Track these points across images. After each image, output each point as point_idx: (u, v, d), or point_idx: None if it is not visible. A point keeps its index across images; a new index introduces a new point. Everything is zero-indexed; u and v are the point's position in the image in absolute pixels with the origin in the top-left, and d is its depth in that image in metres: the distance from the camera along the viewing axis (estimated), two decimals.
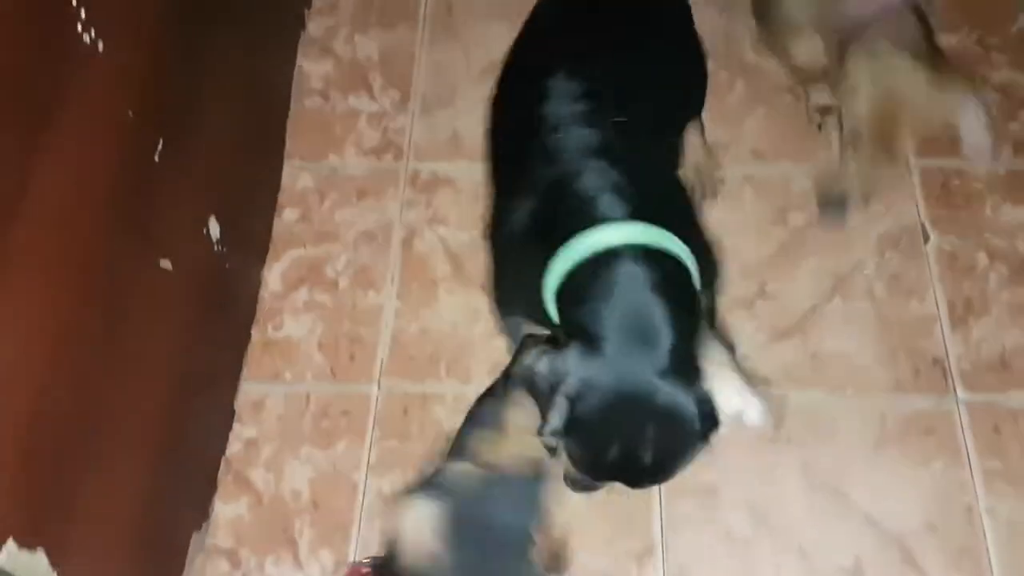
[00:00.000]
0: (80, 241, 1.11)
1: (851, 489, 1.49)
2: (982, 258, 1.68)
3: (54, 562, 1.04)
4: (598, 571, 1.47)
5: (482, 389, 1.57)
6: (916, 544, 1.44)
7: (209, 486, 1.54)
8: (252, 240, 1.76)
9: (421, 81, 1.96)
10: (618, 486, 1.09)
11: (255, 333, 1.71)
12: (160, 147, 1.30)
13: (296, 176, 1.88)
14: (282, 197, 1.85)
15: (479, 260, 1.76)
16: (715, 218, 1.77)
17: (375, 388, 1.65)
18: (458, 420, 1.57)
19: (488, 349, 1.68)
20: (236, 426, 1.62)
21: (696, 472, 1.49)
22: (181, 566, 1.44)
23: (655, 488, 1.52)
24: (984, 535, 1.44)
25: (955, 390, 1.56)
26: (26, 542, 0.99)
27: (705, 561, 1.46)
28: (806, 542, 1.46)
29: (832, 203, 1.61)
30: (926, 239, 1.71)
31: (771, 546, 1.46)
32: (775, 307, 1.68)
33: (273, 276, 1.77)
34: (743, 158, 1.83)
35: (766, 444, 1.54)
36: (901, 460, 1.50)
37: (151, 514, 1.34)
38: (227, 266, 1.59)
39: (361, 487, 1.55)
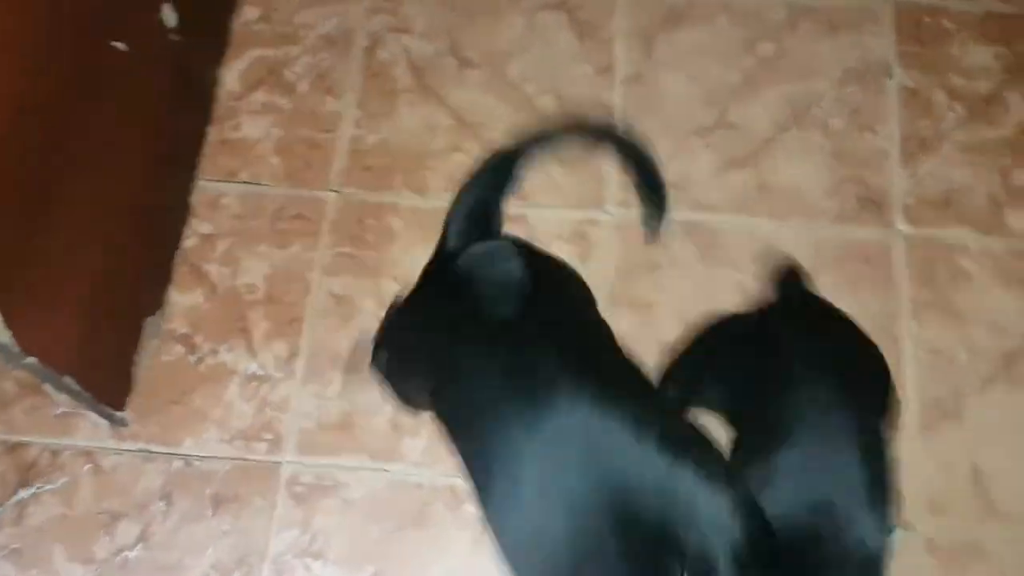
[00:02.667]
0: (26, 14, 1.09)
1: None
2: (941, 97, 1.68)
3: (7, 319, 1.08)
4: None
5: (439, 203, 1.61)
6: None
7: (165, 275, 1.58)
8: (209, 34, 1.72)
9: None
10: None
11: (212, 131, 1.71)
12: None
13: None
14: None
15: (443, 73, 1.75)
16: (686, 41, 1.75)
17: (331, 194, 1.67)
18: (413, 232, 1.63)
19: (446, 163, 1.69)
20: (192, 221, 1.64)
21: (636, 289, 1.56)
22: (135, 347, 1.50)
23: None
24: (905, 360, 1.51)
25: (896, 223, 1.60)
26: None
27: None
28: None
29: None
30: (890, 75, 1.70)
31: None
32: (733, 136, 1.69)
33: (231, 75, 1.75)
34: None
35: (706, 267, 1.59)
36: (834, 286, 1.55)
37: (107, 292, 1.39)
38: (183, 57, 1.57)
39: (314, 286, 1.60)
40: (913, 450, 1.45)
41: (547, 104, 1.72)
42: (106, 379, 1.40)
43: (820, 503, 0.94)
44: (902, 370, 1.50)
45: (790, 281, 1.37)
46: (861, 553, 0.95)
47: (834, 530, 0.95)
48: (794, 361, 1.05)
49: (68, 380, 1.25)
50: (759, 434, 1.01)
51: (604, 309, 1.54)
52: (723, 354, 1.26)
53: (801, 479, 0.95)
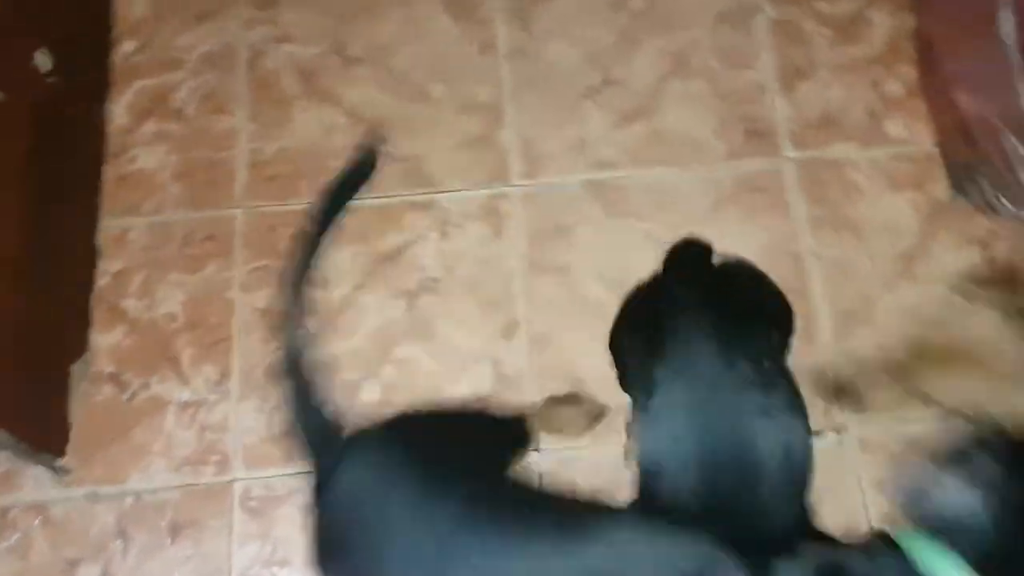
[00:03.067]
0: None
1: None
2: (809, 24, 1.75)
3: None
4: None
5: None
6: None
7: (83, 318, 1.57)
8: (88, 73, 1.70)
9: None
10: None
11: (108, 169, 1.70)
12: None
13: (130, 3, 1.80)
14: (118, 28, 1.79)
15: (331, 74, 1.76)
16: (561, 8, 1.80)
17: (238, 211, 1.67)
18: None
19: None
20: (102, 260, 1.63)
21: (552, 254, 1.60)
22: (65, 393, 1.49)
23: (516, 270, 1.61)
24: (811, 276, 1.59)
25: (784, 150, 1.67)
26: None
27: (565, 329, 1.58)
28: None
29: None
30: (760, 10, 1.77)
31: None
32: (620, 92, 1.74)
33: (119, 110, 1.74)
34: None
35: (614, 222, 1.64)
36: (736, 218, 1.62)
37: (27, 342, 1.38)
38: (63, 99, 1.56)
39: (236, 304, 1.60)
40: (833, 358, 1.52)
41: (438, 90, 1.75)
42: (40, 428, 1.40)
43: (731, 428, 0.99)
44: (810, 287, 1.58)
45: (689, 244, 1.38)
46: (789, 461, 1.00)
47: (756, 446, 0.99)
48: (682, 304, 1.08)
49: (1, 433, 1.24)
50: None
51: (525, 277, 1.60)
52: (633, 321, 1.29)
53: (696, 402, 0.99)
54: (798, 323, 1.17)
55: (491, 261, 1.63)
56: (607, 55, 1.77)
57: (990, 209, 1.56)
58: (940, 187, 1.64)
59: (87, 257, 1.61)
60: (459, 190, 1.68)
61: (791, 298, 1.52)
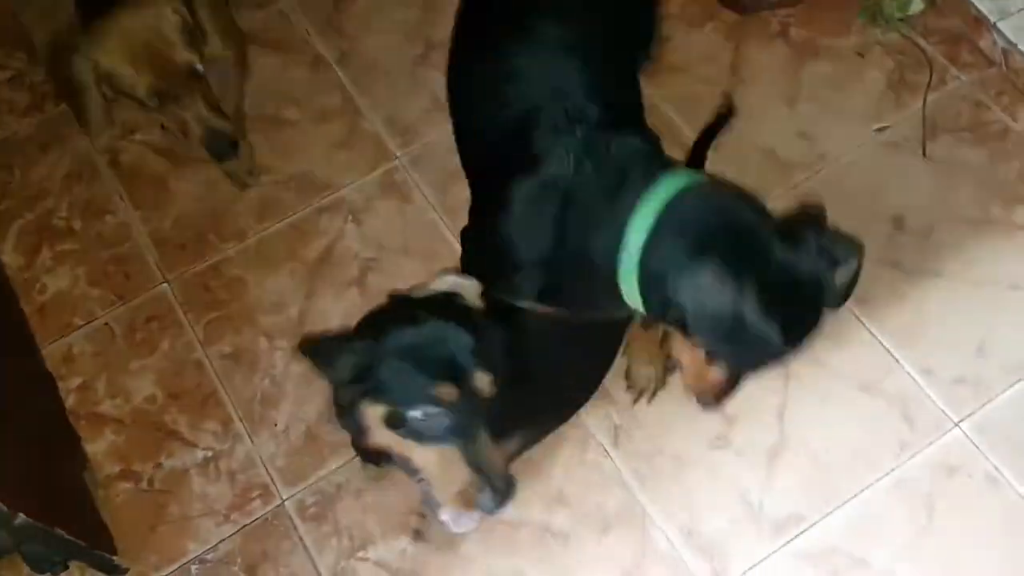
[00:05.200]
0: None
1: None
2: None
3: None
4: None
5: (261, 234, 1.73)
6: None
7: (70, 436, 1.57)
8: None
9: None
10: None
11: (26, 306, 1.71)
12: None
13: None
14: None
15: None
16: (358, 11, 1.98)
17: (165, 285, 1.73)
18: (256, 270, 1.72)
19: (241, 203, 1.80)
20: (60, 383, 1.63)
21: (462, 192, 1.75)
22: (89, 504, 1.49)
23: None
24: None
25: None
26: None
27: None
28: None
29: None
30: None
31: None
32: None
33: (8, 253, 1.76)
34: None
35: None
36: None
37: (42, 467, 1.38)
38: None
39: (204, 361, 1.65)
40: None
41: (292, 113, 1.88)
42: (85, 530, 1.38)
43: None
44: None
45: None
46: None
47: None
48: None
49: (59, 531, 1.24)
50: None
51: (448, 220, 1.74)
52: None
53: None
54: None
55: (412, 222, 1.77)
56: (421, 27, 1.96)
57: None
58: None
59: (47, 387, 1.61)
60: (354, 181, 1.81)
61: None
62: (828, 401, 1.54)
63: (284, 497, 1.53)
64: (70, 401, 1.62)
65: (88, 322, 1.69)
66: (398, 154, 1.84)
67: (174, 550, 1.49)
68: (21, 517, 1.14)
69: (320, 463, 1.55)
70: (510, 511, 1.47)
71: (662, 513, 1.47)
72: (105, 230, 1.78)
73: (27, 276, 1.74)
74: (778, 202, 1.54)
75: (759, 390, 1.52)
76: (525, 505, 1.49)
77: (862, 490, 1.47)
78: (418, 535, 1.47)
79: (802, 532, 1.45)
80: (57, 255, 1.76)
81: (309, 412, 1.59)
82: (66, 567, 1.38)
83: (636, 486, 1.50)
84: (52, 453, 1.51)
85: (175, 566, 1.48)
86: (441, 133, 1.82)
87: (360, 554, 1.48)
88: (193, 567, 1.48)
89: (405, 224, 1.77)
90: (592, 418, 1.55)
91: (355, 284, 1.71)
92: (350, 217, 1.77)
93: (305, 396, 1.60)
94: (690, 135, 1.70)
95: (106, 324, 1.69)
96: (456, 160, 1.45)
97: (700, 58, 1.91)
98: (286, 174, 1.83)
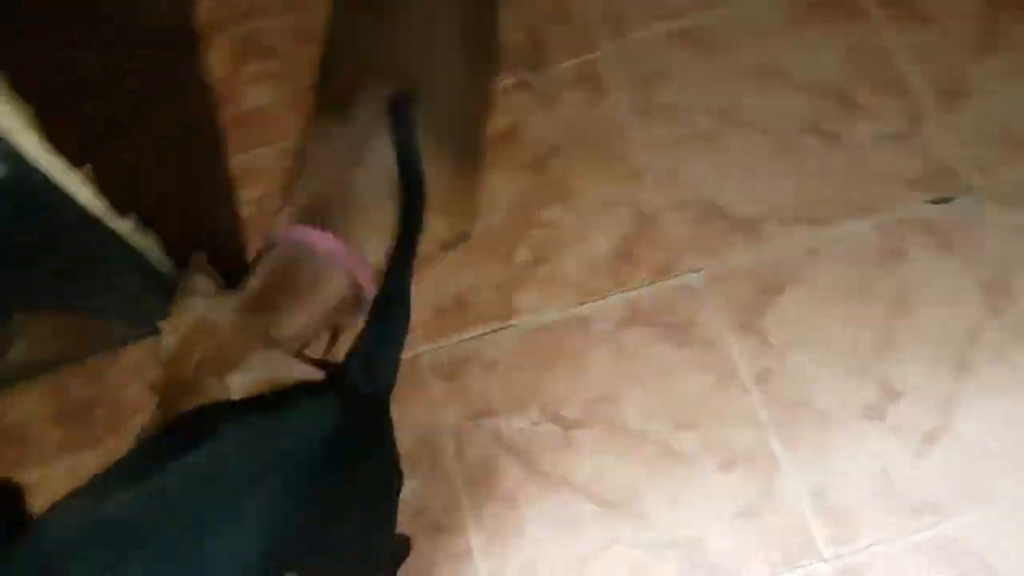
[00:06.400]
0: None
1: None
2: None
3: None
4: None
5: None
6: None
7: (237, 248, 1.64)
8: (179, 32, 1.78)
9: None
10: None
11: (223, 114, 1.78)
12: None
13: None
14: None
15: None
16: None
17: None
18: None
19: None
20: (242, 193, 1.70)
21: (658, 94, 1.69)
22: None
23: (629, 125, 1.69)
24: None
25: None
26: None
27: (687, 162, 1.66)
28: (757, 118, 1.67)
29: None
30: None
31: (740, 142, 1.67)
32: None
33: (217, 59, 1.82)
34: None
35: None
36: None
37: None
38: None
39: None
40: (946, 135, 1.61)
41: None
42: None
43: None
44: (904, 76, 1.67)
45: None
46: None
47: None
48: None
49: None
50: None
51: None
52: None
53: None
54: None
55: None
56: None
57: None
58: None
59: (224, 196, 1.69)
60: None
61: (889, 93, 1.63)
62: (1005, 398, 1.42)
63: (423, 349, 1.55)
64: (244, 211, 1.69)
65: (277, 141, 1.75)
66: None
67: None
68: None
69: (460, 326, 1.56)
70: (635, 419, 1.46)
71: (794, 466, 1.41)
72: (312, 58, 1.82)
73: (229, 85, 1.80)
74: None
75: (933, 374, 1.42)
76: (652, 418, 1.45)
77: (1014, 496, 1.36)
78: None
79: (937, 524, 1.36)
80: (260, 72, 1.81)
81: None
82: None
83: (772, 431, 1.44)
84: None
85: None
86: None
87: (479, 420, 1.50)
88: None
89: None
90: (741, 353, 1.49)
91: (531, 168, 1.68)
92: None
93: None
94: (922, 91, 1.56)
95: (293, 150, 1.74)
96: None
97: (950, 13, 1.74)
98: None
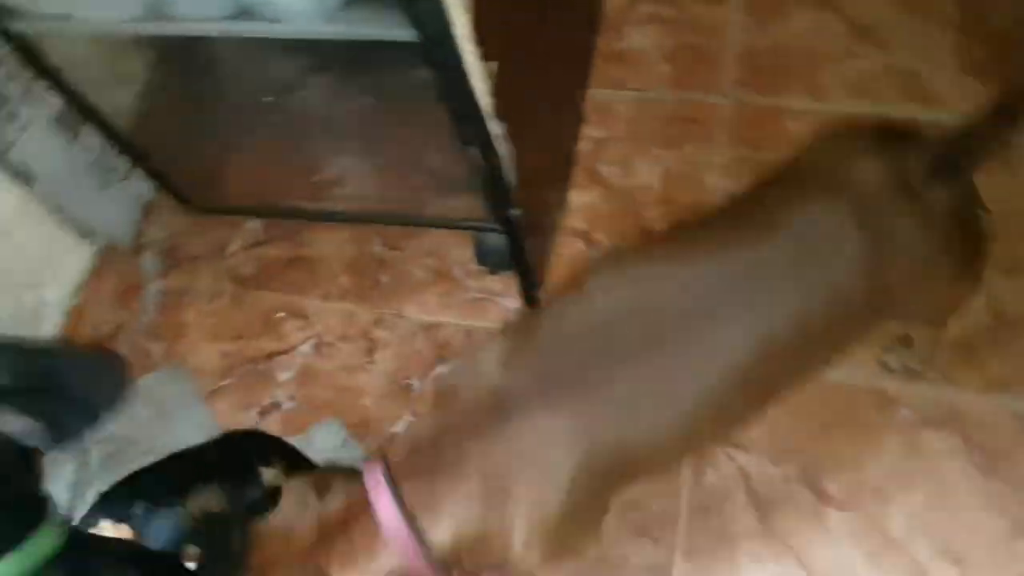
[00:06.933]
0: None
1: None
2: None
3: None
4: None
5: (836, 107, 1.55)
6: None
7: (564, 176, 1.61)
8: None
9: None
10: None
11: (599, 43, 1.74)
12: None
13: None
14: None
15: None
16: None
17: (723, 98, 1.65)
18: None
19: (842, 66, 1.62)
20: (585, 127, 1.67)
21: None
22: (549, 238, 1.54)
23: None
24: None
25: None
26: None
27: None
28: None
29: None
30: None
31: None
32: None
33: None
34: None
35: None
36: None
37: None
38: None
39: (711, 187, 1.57)
40: None
41: None
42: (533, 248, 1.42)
43: None
44: None
45: None
46: None
47: None
48: None
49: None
50: None
51: None
52: None
53: None
54: None
55: None
56: None
57: None
58: None
59: (573, 122, 1.65)
60: None
61: None
62: None
63: None
64: (582, 147, 1.65)
65: (640, 90, 1.68)
66: None
67: None
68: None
69: None
70: (900, 525, 1.26)
71: None
72: (705, 17, 1.73)
73: (618, 18, 1.76)
74: None
75: None
76: (920, 533, 1.26)
77: None
78: None
79: None
80: (652, 15, 1.75)
81: None
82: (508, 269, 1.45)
83: None
84: (550, 180, 1.56)
85: None
86: None
87: (730, 451, 1.38)
88: None
89: None
90: None
91: None
92: None
93: None
94: None
95: (653, 100, 1.67)
96: None
97: None
98: None
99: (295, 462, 1.34)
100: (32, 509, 0.91)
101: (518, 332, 0.97)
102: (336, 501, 0.95)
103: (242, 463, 1.26)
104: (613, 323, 0.91)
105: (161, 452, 1.46)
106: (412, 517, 0.90)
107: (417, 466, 0.93)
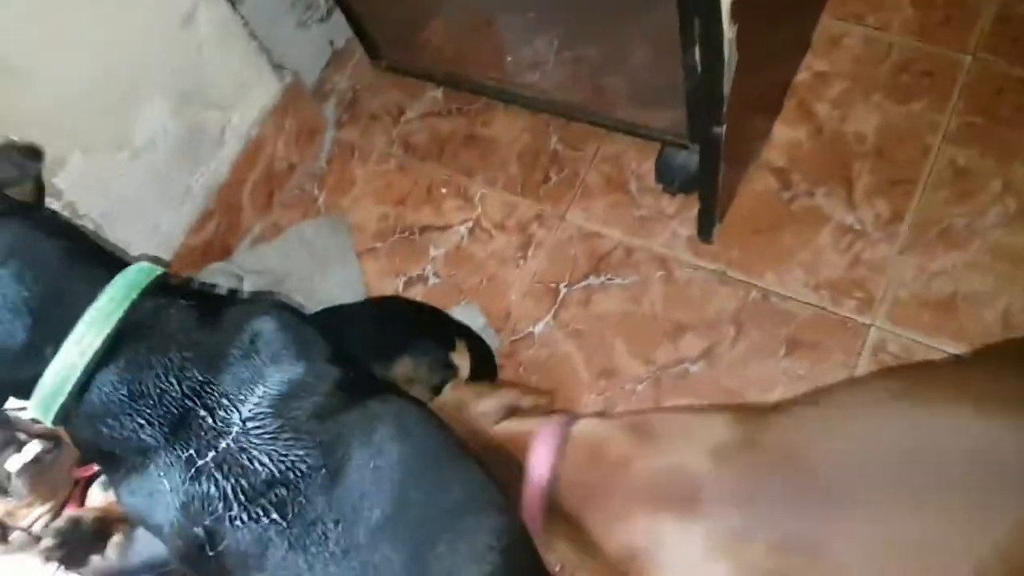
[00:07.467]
0: None
1: None
2: None
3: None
4: None
5: None
6: None
7: (773, 107, 1.48)
8: None
9: None
10: None
11: None
12: None
13: None
14: None
15: None
16: None
17: (968, 58, 1.46)
18: None
19: None
20: (809, 57, 1.52)
21: None
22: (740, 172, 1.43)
23: None
24: None
25: None
26: None
27: None
28: None
29: None
30: None
31: None
32: None
33: None
34: None
35: None
36: None
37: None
38: None
39: (933, 151, 1.42)
40: None
41: None
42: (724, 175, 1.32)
43: None
44: None
45: None
46: None
47: None
48: None
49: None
50: None
51: None
52: None
53: None
54: None
55: None
56: None
57: None
58: None
59: (797, 50, 1.51)
60: None
61: None
62: None
63: (876, 323, 1.33)
64: (800, 77, 1.51)
65: (877, 29, 1.52)
66: None
67: (755, 266, 1.41)
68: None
69: (933, 330, 1.30)
70: None
71: None
72: None
73: None
74: None
75: None
76: None
77: None
78: None
79: None
80: None
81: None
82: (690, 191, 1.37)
83: None
84: (762, 106, 1.43)
85: (743, 277, 1.40)
86: None
87: None
88: (754, 293, 1.39)
89: None
90: None
91: None
92: None
93: None
94: None
95: (889, 44, 1.50)
96: None
97: None
98: None
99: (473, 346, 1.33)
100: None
101: (746, 423, 0.84)
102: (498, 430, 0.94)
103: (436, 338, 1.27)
104: (868, 462, 0.76)
105: (308, 296, 1.48)
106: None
107: (583, 477, 0.87)
